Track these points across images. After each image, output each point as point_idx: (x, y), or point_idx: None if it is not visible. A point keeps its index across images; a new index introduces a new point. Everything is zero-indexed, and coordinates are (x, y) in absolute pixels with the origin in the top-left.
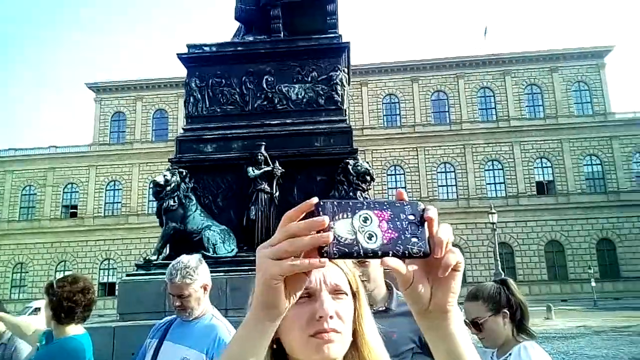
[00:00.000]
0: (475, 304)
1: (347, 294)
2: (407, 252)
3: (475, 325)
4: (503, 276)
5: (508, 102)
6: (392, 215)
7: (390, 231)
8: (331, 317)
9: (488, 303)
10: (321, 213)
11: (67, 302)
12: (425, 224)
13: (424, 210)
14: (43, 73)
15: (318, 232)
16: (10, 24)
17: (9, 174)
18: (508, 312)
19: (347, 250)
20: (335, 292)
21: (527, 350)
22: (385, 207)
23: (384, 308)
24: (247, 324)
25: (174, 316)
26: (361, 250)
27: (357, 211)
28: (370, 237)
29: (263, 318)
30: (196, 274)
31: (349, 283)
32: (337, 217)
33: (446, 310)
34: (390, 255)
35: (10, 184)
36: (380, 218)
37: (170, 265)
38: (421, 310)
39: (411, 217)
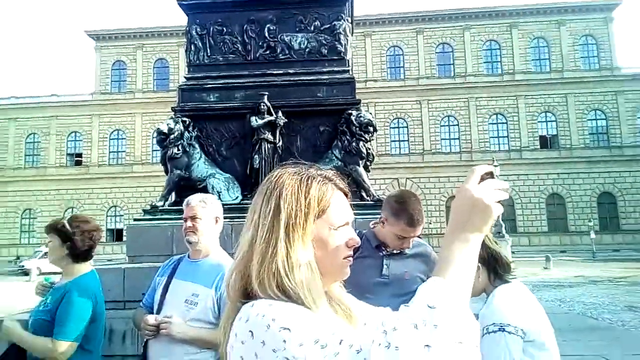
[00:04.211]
0: None
1: None
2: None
3: None
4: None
5: (514, 55)
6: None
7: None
8: None
9: None
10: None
11: (88, 240)
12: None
13: None
14: (43, 20)
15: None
16: None
17: (12, 121)
18: (479, 265)
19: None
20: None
21: (494, 295)
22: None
23: (398, 251)
24: (469, 244)
25: (182, 255)
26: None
27: (494, 177)
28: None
29: (480, 239)
30: (211, 202)
31: None
32: None
33: None
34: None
35: (14, 132)
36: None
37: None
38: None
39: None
